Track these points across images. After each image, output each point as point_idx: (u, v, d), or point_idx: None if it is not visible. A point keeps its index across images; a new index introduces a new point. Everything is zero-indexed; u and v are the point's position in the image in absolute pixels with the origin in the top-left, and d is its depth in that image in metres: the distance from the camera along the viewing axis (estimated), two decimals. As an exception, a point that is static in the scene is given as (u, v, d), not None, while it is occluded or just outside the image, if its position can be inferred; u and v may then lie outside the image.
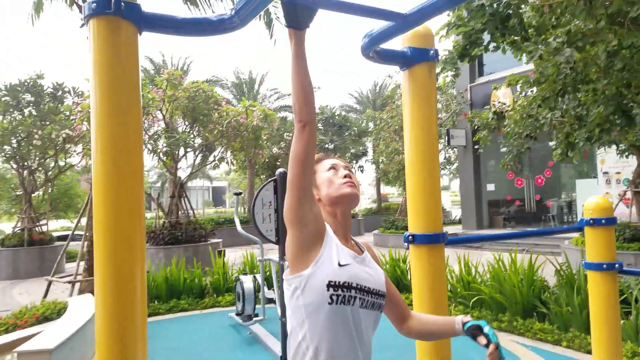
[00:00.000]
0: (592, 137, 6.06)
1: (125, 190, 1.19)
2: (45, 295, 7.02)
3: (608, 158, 13.42)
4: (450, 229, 18.02)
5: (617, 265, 2.30)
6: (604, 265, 2.24)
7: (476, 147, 13.81)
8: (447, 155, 26.19)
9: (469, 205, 17.71)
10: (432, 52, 1.75)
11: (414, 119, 1.79)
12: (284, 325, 4.69)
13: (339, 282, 1.24)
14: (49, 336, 3.99)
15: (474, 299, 5.89)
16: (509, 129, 9.20)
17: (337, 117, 23.42)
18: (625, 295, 5.16)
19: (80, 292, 6.50)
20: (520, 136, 9.22)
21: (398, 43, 1.81)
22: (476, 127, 10.36)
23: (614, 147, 10.64)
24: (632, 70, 5.39)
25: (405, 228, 10.20)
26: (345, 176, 1.41)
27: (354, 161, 24.17)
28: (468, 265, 6.43)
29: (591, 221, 2.29)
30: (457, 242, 1.85)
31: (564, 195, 18.77)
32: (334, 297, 1.23)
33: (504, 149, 10.76)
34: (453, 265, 7.43)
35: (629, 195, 10.26)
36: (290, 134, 22.26)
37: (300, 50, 1.30)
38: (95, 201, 1.11)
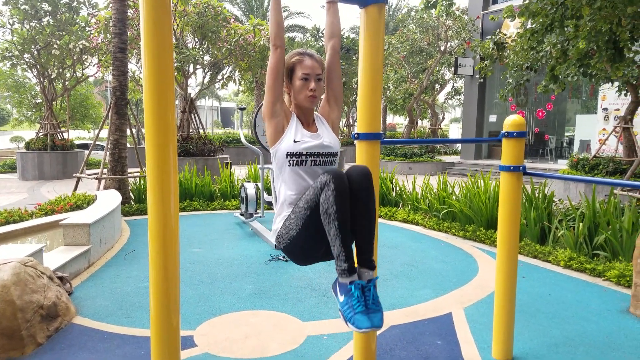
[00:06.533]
0: (572, 72, 6.50)
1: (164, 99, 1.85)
2: (75, 190, 7.96)
3: (609, 95, 13.62)
4: (448, 158, 18.69)
5: (521, 168, 3.01)
6: (511, 167, 2.96)
7: (477, 76, 13.99)
8: (455, 85, 26.07)
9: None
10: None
11: (366, 49, 2.40)
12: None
13: (293, 152, 1.97)
14: (85, 215, 4.88)
15: (444, 212, 6.72)
16: (508, 60, 9.48)
17: (345, 40, 23.14)
18: (573, 215, 5.93)
19: (105, 188, 7.42)
20: (520, 67, 9.52)
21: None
22: (480, 57, 10.60)
23: (616, 83, 10.85)
24: (614, 6, 5.70)
25: (404, 155, 11.22)
26: (311, 89, 2.04)
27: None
28: (446, 184, 7.19)
29: (506, 134, 2.98)
30: (390, 143, 2.59)
31: (564, 131, 19.09)
32: (291, 161, 1.98)
33: (510, 80, 11.03)
34: (434, 185, 8.20)
35: (619, 130, 10.61)
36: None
37: None
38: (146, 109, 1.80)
